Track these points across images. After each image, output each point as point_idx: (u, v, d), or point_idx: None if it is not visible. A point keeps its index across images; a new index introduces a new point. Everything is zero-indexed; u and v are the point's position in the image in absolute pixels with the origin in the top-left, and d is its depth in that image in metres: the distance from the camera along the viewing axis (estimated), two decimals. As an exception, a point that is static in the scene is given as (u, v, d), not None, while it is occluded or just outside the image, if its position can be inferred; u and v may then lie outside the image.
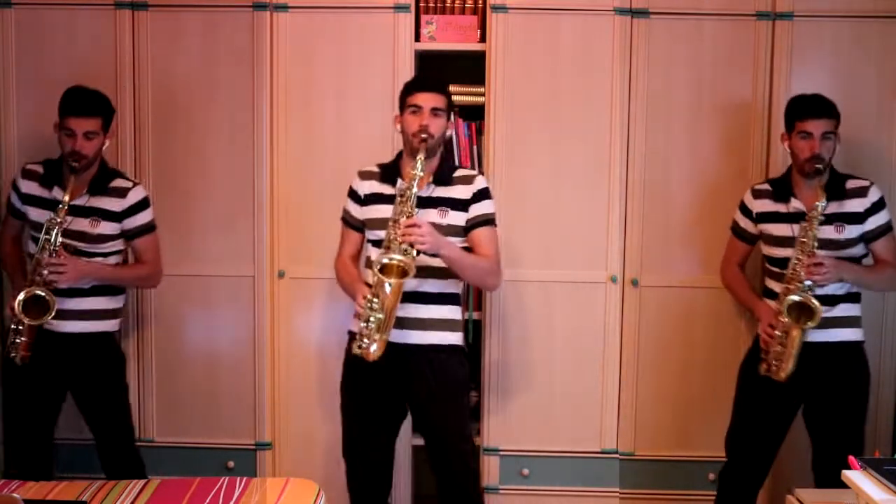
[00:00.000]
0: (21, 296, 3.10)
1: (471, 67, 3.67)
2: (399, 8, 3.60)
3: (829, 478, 3.15)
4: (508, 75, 3.60)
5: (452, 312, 3.10)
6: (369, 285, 2.96)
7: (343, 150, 3.66)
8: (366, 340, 2.91)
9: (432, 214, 3.01)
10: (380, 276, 2.87)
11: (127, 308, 3.53)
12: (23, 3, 3.63)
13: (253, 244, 3.67)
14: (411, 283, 2.96)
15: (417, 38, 3.65)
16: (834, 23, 3.57)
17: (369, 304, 2.89)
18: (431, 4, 3.69)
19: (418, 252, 2.88)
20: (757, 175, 3.59)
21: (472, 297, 3.71)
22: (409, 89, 3.07)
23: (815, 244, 3.09)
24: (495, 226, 3.11)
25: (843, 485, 2.92)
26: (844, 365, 3.22)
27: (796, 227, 3.18)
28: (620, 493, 3.76)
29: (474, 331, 3.71)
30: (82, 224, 3.22)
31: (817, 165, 3.12)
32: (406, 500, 3.71)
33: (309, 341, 3.73)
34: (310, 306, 3.72)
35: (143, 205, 3.31)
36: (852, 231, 3.19)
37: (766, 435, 3.29)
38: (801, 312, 3.09)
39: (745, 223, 3.36)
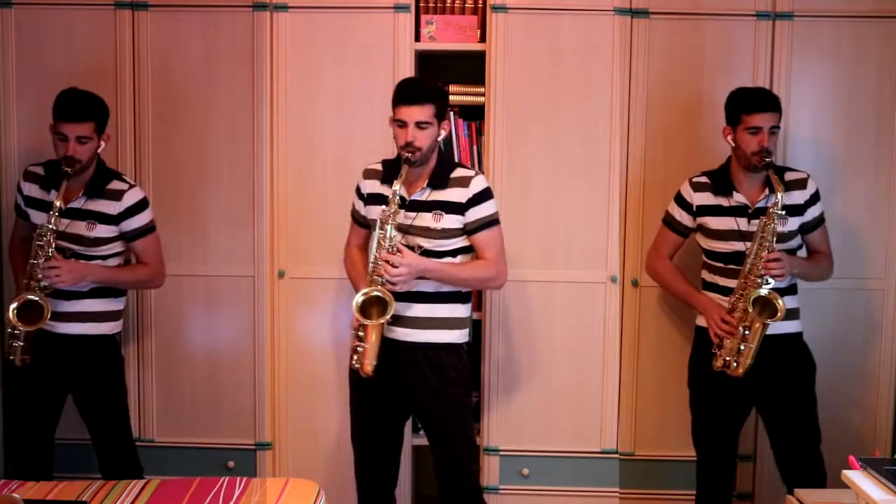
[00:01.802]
0: (14, 303, 3.10)
1: (471, 67, 3.67)
2: (399, 8, 3.60)
3: (795, 471, 3.18)
4: (508, 75, 3.60)
5: (450, 310, 3.10)
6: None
7: (343, 150, 3.66)
8: (358, 361, 3.00)
9: (427, 218, 3.02)
10: (359, 317, 2.94)
11: (127, 310, 3.51)
12: (23, 3, 3.63)
13: (253, 244, 3.67)
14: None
15: (417, 38, 3.65)
16: (834, 23, 3.57)
17: (356, 335, 2.99)
18: (431, 4, 3.69)
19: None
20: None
21: (473, 297, 3.70)
22: (395, 101, 3.02)
23: (774, 239, 3.10)
24: (497, 225, 3.10)
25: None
26: (790, 357, 3.25)
27: (741, 220, 3.20)
28: (620, 493, 3.76)
29: (475, 330, 3.71)
30: (79, 227, 3.20)
31: (767, 159, 3.13)
32: (406, 499, 3.70)
33: (309, 341, 3.73)
34: (310, 306, 3.72)
35: (140, 206, 3.28)
36: (794, 223, 3.22)
37: (728, 427, 3.33)
38: (763, 307, 3.11)
39: (682, 215, 3.35)
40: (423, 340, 3.06)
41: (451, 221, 3.04)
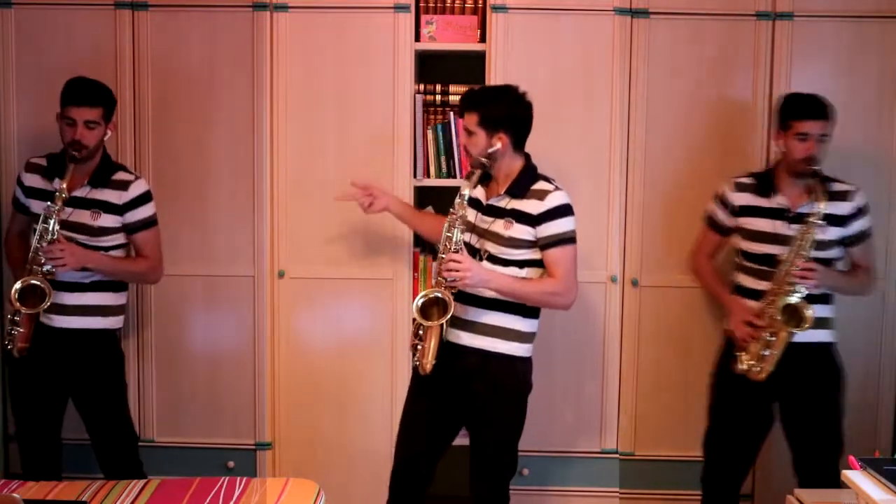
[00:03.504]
0: (17, 285, 3.08)
1: (471, 67, 3.67)
2: (399, 8, 3.60)
3: (813, 480, 3.15)
4: (508, 75, 3.60)
5: (504, 320, 3.00)
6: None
7: (343, 150, 3.66)
8: (418, 359, 2.98)
9: (499, 224, 2.98)
10: (418, 317, 2.91)
11: (127, 310, 3.51)
12: (23, 3, 3.63)
13: (253, 244, 3.67)
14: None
15: (417, 38, 3.65)
16: (834, 23, 3.58)
17: (416, 334, 2.97)
18: (431, 4, 3.69)
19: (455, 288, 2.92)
20: (757, 175, 3.60)
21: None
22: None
23: (811, 248, 3.07)
24: (570, 244, 2.96)
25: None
26: (817, 366, 3.20)
27: (778, 223, 3.17)
28: (620, 493, 3.76)
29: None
30: (83, 216, 3.20)
31: (813, 167, 3.10)
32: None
33: (309, 341, 3.73)
34: (310, 306, 3.72)
35: (144, 198, 3.28)
36: (834, 233, 3.17)
37: (745, 435, 3.29)
38: (791, 315, 3.08)
39: (722, 215, 3.33)
40: (474, 345, 3.00)
41: (520, 232, 2.96)
